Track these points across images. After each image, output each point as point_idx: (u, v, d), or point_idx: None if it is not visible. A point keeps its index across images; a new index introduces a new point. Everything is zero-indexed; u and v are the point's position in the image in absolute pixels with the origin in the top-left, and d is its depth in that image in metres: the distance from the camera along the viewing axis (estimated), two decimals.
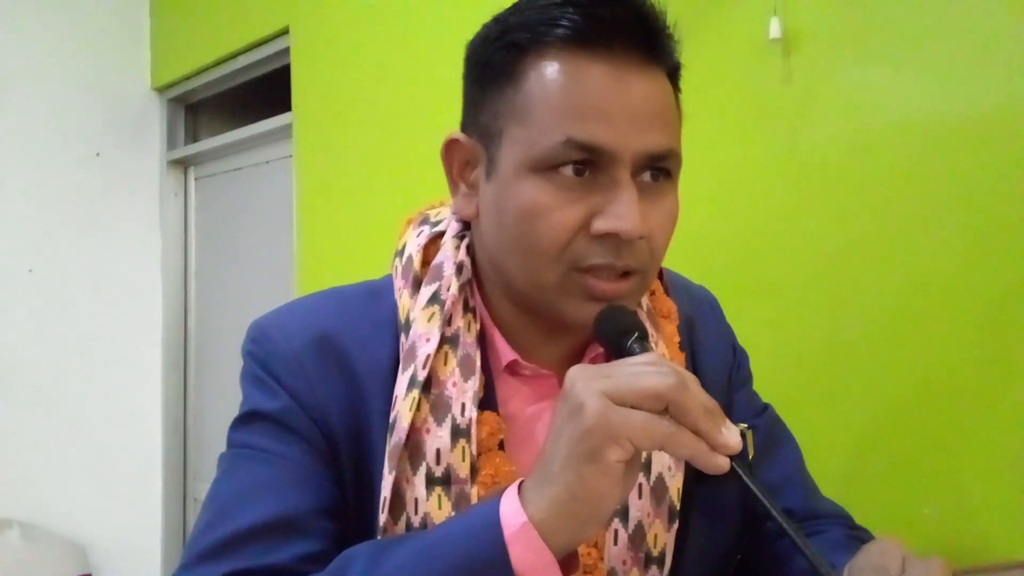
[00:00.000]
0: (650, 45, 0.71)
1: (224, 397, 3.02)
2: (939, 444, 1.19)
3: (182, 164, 3.20)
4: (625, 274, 0.72)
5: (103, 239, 3.02)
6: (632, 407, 0.58)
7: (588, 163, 0.70)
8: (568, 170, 0.70)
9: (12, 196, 2.83)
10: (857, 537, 0.85)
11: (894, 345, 1.22)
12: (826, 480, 0.98)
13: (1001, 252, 1.12)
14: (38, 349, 2.87)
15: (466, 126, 0.79)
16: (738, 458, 0.59)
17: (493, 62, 0.74)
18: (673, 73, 0.76)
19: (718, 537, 0.85)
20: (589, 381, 0.59)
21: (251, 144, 2.86)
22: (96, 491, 2.95)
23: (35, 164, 2.87)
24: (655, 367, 0.59)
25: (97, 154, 3.01)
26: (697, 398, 0.58)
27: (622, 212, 0.69)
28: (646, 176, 0.72)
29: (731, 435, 0.58)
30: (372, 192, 2.17)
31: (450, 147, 0.79)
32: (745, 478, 0.58)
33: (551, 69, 0.70)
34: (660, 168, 0.72)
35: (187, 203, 3.21)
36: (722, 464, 0.58)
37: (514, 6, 0.75)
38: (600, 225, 0.69)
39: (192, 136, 3.23)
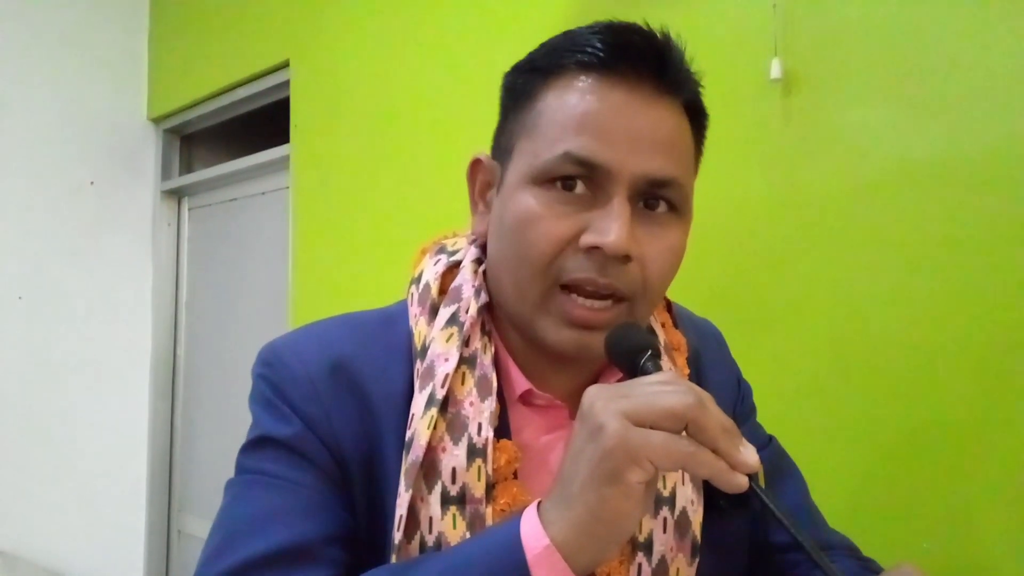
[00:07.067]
0: (662, 74, 0.72)
1: (212, 428, 2.99)
2: (938, 479, 1.19)
3: (176, 194, 3.20)
4: (608, 298, 0.72)
5: (94, 267, 3.00)
6: (651, 427, 0.58)
7: (585, 179, 0.71)
8: (562, 184, 0.71)
9: (4, 222, 2.82)
10: (868, 568, 0.85)
11: (893, 380, 1.24)
12: (825, 514, 0.98)
13: (998, 292, 1.14)
14: (25, 377, 2.83)
15: (492, 150, 0.81)
16: (755, 481, 0.59)
17: (516, 86, 0.77)
18: (691, 109, 0.76)
19: (729, 570, 0.85)
20: (608, 402, 0.59)
21: (245, 175, 2.87)
22: (80, 521, 2.90)
23: (28, 191, 2.87)
24: (672, 386, 0.59)
25: (91, 183, 3.01)
26: (715, 417, 0.58)
27: (608, 226, 0.69)
28: (647, 203, 0.73)
29: (749, 453, 0.58)
30: (369, 225, 2.18)
31: (473, 167, 0.82)
32: (764, 498, 0.59)
33: (564, 88, 0.72)
34: (662, 197, 0.73)
35: (180, 233, 3.21)
36: (741, 483, 0.58)
37: (547, 41, 0.77)
38: (586, 238, 0.70)
39: (186, 166, 3.24)
